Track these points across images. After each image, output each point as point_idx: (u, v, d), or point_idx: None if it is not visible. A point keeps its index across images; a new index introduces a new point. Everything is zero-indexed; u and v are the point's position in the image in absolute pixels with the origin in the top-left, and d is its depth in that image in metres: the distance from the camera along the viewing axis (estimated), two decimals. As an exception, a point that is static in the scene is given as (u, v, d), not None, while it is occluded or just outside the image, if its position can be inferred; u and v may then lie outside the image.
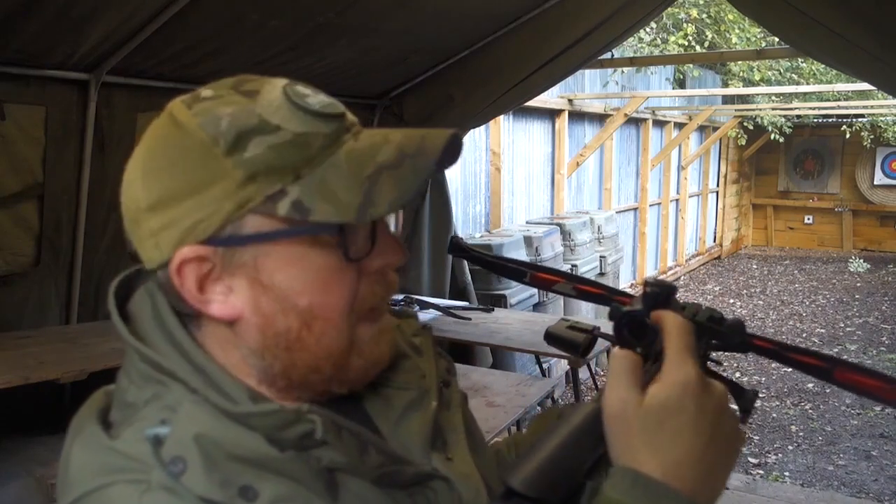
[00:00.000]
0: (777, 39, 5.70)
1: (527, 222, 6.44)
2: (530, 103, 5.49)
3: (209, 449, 0.55)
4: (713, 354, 0.64)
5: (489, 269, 0.73)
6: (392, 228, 0.67)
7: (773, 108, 10.12)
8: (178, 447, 0.54)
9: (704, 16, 8.72)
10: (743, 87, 9.61)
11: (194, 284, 0.60)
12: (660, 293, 0.57)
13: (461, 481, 0.67)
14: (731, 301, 9.05)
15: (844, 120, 11.23)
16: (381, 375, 0.70)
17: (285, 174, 0.58)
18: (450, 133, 0.60)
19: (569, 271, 5.88)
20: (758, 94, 10.32)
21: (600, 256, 6.53)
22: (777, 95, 10.32)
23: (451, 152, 0.62)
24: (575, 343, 0.59)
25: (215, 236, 0.59)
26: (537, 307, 5.32)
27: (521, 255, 5.25)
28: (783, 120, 10.90)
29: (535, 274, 0.68)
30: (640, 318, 0.56)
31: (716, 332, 0.62)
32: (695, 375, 0.53)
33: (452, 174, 5.49)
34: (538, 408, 5.27)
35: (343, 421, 0.59)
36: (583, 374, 4.57)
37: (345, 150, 0.60)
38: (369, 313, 0.64)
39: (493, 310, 3.98)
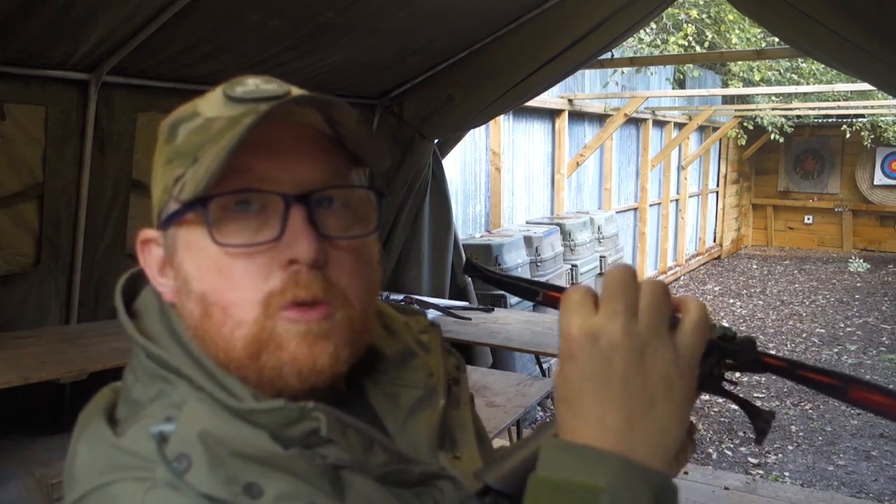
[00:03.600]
0: (777, 39, 5.70)
1: (527, 222, 6.44)
2: (530, 103, 5.49)
3: (213, 446, 0.54)
4: (729, 374, 0.63)
5: (502, 289, 0.73)
6: (318, 222, 0.60)
7: (773, 108, 10.12)
8: (182, 444, 0.54)
9: (704, 16, 8.72)
10: (743, 87, 9.61)
11: (155, 268, 0.63)
12: None
13: (469, 480, 0.65)
14: (731, 301, 9.05)
15: (844, 120, 11.23)
16: (389, 373, 0.70)
17: (188, 158, 0.59)
18: (282, 101, 0.58)
19: (570, 268, 5.89)
20: (758, 94, 10.32)
21: (600, 256, 6.53)
22: (777, 95, 10.32)
23: (351, 128, 0.60)
24: None
25: (159, 220, 0.63)
26: (537, 307, 5.32)
27: (521, 255, 5.25)
28: (783, 120, 10.90)
29: (548, 293, 0.67)
30: None
31: (727, 350, 0.62)
32: (568, 334, 0.48)
33: (452, 174, 5.49)
34: (538, 408, 5.27)
35: (348, 419, 0.59)
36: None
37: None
38: (293, 309, 0.59)
39: (493, 310, 3.98)
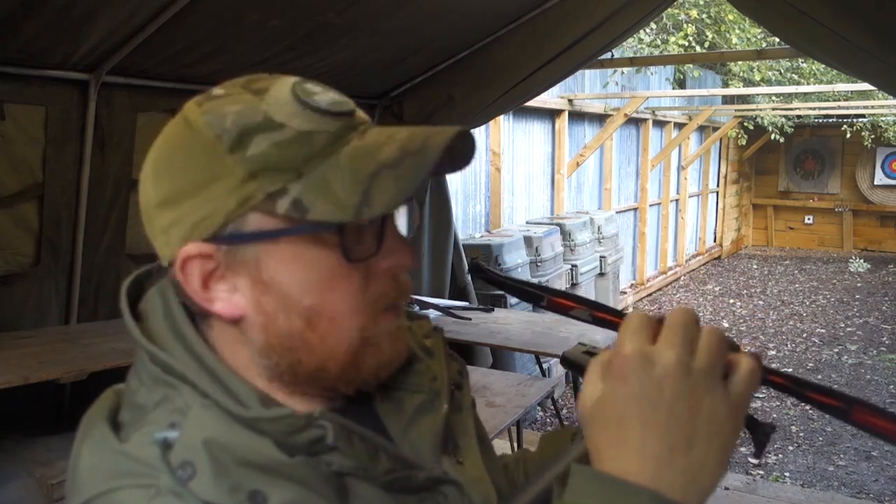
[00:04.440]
0: (777, 39, 5.70)
1: (527, 222, 6.44)
2: (530, 103, 5.49)
3: (218, 454, 0.54)
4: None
5: (507, 292, 0.73)
6: (405, 229, 0.67)
7: (774, 108, 10.12)
8: (187, 452, 0.54)
9: (704, 16, 8.72)
10: (743, 87, 9.61)
11: (199, 282, 0.60)
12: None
13: (472, 486, 0.66)
14: (731, 301, 9.05)
15: (845, 120, 11.23)
16: (392, 378, 0.70)
17: (287, 172, 0.58)
18: (455, 130, 0.59)
19: (570, 268, 5.89)
20: (758, 94, 10.32)
21: (600, 256, 6.53)
22: (777, 95, 10.32)
23: (463, 151, 0.63)
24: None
25: (218, 234, 0.59)
26: (537, 307, 5.30)
27: (521, 255, 5.25)
28: (783, 120, 10.90)
29: (553, 299, 0.68)
30: None
31: None
32: (623, 354, 0.49)
33: (452, 175, 5.49)
34: (538, 408, 5.27)
35: (354, 426, 0.59)
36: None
37: (349, 148, 0.59)
38: (386, 312, 0.63)
39: (493, 310, 3.98)
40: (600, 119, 8.03)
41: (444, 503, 0.63)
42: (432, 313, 3.79)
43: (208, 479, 0.53)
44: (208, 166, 0.58)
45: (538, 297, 0.69)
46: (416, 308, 3.79)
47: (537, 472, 0.54)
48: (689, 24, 8.45)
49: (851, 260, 11.35)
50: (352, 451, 0.58)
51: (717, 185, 12.18)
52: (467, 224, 6.01)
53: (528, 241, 5.38)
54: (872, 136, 10.90)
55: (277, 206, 0.57)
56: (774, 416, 5.25)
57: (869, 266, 11.05)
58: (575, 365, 0.62)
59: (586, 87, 7.53)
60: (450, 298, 4.42)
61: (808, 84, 9.37)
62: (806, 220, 13.06)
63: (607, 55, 4.34)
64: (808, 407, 5.37)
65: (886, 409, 0.56)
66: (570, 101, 7.17)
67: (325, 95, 0.61)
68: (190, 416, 0.57)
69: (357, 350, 0.62)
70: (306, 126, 0.59)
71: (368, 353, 0.62)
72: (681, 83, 9.73)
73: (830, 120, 11.78)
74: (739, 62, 9.75)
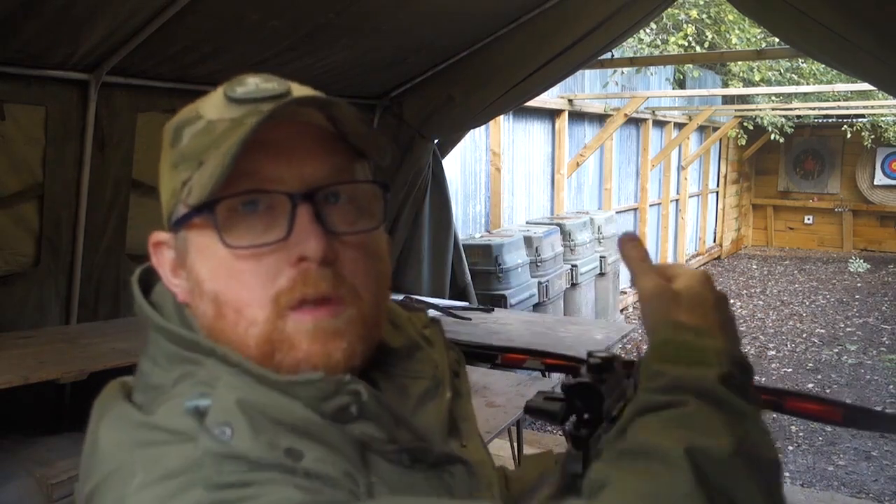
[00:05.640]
0: (777, 39, 5.70)
1: (527, 222, 6.45)
2: (530, 103, 5.49)
3: (252, 413, 0.55)
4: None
5: (467, 356, 0.77)
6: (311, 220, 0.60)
7: (773, 109, 10.12)
8: (222, 414, 0.54)
9: (704, 16, 8.72)
10: (743, 87, 9.61)
11: (168, 269, 0.64)
12: (602, 363, 0.64)
13: (479, 467, 0.67)
14: (731, 301, 8.95)
15: (845, 120, 11.23)
16: (397, 365, 0.71)
17: (193, 161, 0.60)
18: (288, 99, 0.59)
19: (570, 268, 5.88)
20: (758, 95, 10.32)
21: (600, 257, 6.53)
22: (777, 95, 10.32)
23: (350, 124, 0.62)
24: (552, 412, 0.64)
25: (169, 222, 0.64)
26: (537, 307, 5.32)
27: (521, 255, 5.25)
28: (783, 120, 10.90)
29: (506, 356, 0.72)
30: (588, 387, 0.62)
31: None
32: (700, 272, 0.63)
33: (452, 174, 5.49)
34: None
35: (379, 395, 0.59)
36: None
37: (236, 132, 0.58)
38: (298, 309, 0.59)
39: (493, 310, 3.97)
40: (600, 119, 8.03)
41: (451, 481, 0.64)
42: (432, 313, 3.79)
43: (247, 436, 0.53)
44: (164, 160, 0.64)
45: (492, 356, 0.74)
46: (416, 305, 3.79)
47: (525, 496, 0.56)
48: (689, 24, 8.45)
49: (851, 260, 11.35)
50: (380, 418, 0.59)
51: (717, 186, 12.18)
52: (467, 224, 6.01)
53: (528, 241, 5.38)
54: (872, 137, 10.90)
55: (183, 193, 0.60)
56: (774, 416, 5.25)
57: (869, 266, 11.05)
58: (539, 411, 0.66)
59: (586, 87, 7.53)
60: (450, 298, 4.41)
61: (807, 84, 9.37)
62: (806, 220, 13.05)
63: (607, 55, 4.34)
64: (807, 407, 5.38)
65: (818, 394, 0.60)
66: (570, 101, 7.17)
67: (248, 86, 0.62)
68: (220, 384, 0.57)
69: (266, 346, 0.59)
70: (215, 115, 0.61)
71: (281, 351, 0.59)
72: (681, 83, 9.73)
73: (830, 120, 11.78)
74: (739, 62, 9.75)
